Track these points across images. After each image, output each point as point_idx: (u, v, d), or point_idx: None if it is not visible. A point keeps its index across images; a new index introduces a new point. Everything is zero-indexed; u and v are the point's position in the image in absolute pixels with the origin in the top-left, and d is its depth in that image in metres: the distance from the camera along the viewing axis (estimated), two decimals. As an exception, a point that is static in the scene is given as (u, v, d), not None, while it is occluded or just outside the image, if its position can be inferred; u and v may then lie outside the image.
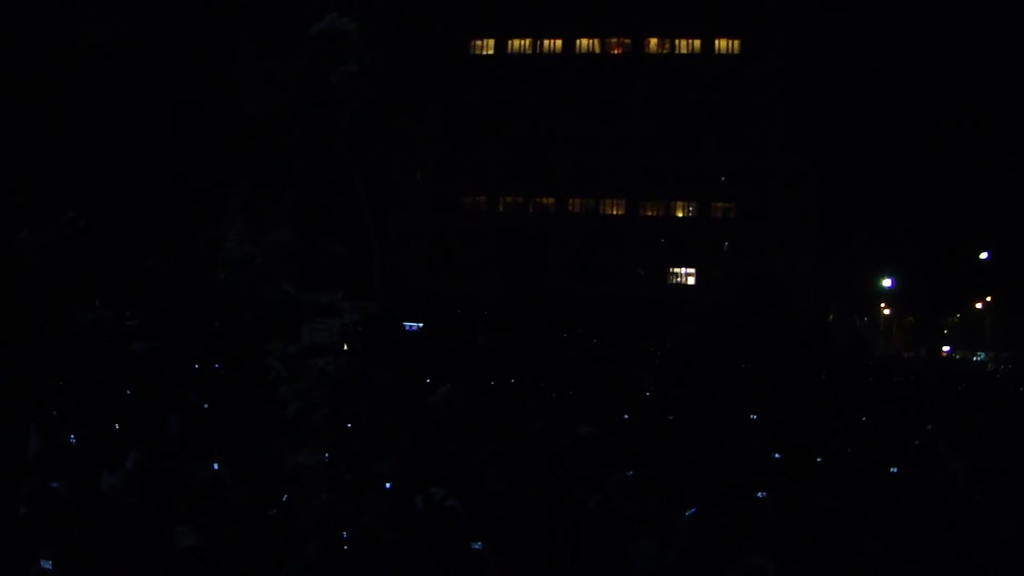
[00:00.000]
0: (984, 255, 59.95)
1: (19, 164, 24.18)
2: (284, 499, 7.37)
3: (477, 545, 6.45)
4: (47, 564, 6.13)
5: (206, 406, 13.50)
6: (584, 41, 65.39)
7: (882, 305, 77.73)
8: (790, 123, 60.94)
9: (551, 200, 64.20)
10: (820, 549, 6.74)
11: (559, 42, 65.66)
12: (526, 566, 6.53)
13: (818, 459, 10.97)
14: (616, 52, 64.67)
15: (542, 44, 66.07)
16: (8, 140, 24.45)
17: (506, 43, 66.30)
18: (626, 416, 14.61)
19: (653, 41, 64.72)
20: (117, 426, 11.24)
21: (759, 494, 8.01)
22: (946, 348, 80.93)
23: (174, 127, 26.36)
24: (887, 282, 68.68)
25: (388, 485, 7.75)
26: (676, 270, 65.75)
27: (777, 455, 10.83)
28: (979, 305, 77.42)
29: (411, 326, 36.98)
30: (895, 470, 9.85)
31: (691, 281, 65.45)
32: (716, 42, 63.63)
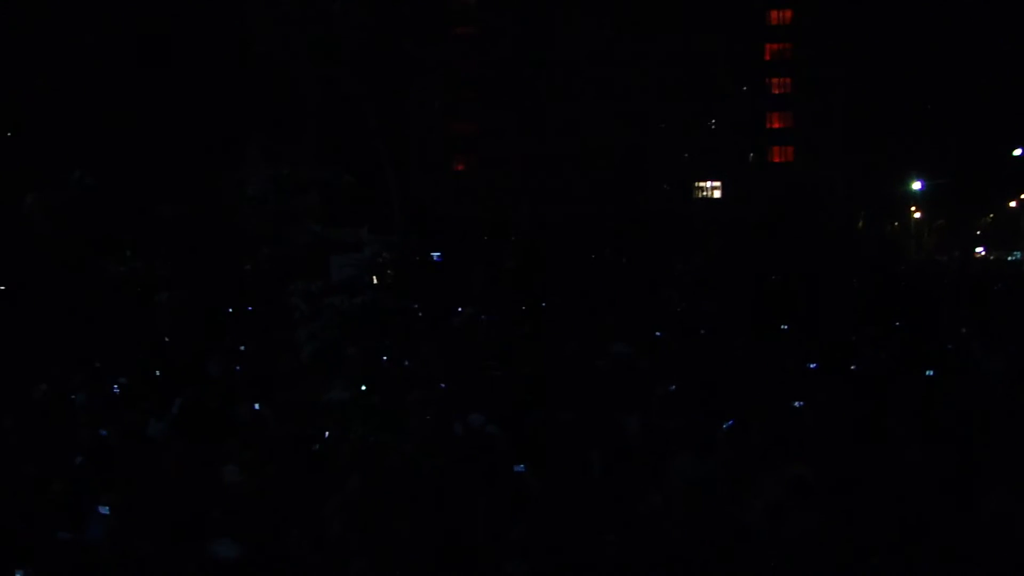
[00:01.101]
0: (1017, 152, 58.55)
1: (21, 122, 24.15)
2: (325, 434, 7.53)
3: (520, 468, 6.57)
4: (104, 510, 6.34)
5: (243, 348, 13.71)
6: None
7: (912, 209, 76.57)
8: (814, 29, 59.43)
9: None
10: (859, 456, 6.80)
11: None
12: (569, 486, 6.65)
13: (852, 367, 10.98)
14: None
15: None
16: (9, 97, 24.39)
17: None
18: (658, 334, 14.67)
19: None
20: (158, 373, 11.48)
21: (796, 403, 8.07)
22: (980, 249, 79.84)
23: (187, 72, 26.20)
24: (917, 185, 67.53)
25: (425, 413, 7.88)
26: (701, 184, 65.02)
27: (812, 364, 10.86)
28: (1012, 204, 76.02)
29: (439, 256, 37.09)
30: (931, 373, 9.84)
31: (717, 195, 64.77)
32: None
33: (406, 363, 10.33)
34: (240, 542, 5.68)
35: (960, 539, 5.32)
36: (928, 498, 5.80)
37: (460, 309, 18.19)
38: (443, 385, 9.55)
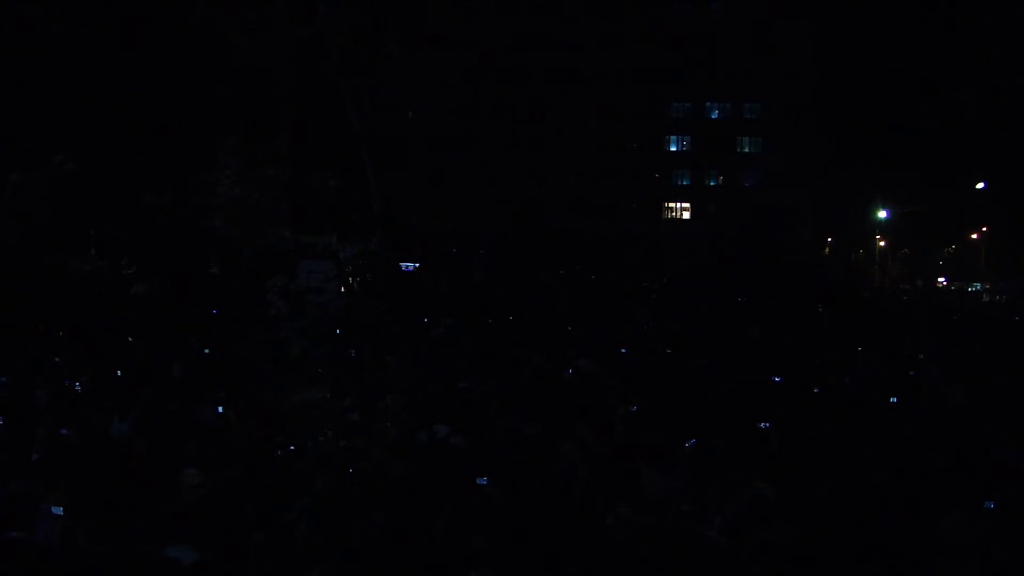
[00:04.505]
0: (980, 185, 59.64)
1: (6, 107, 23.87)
2: (290, 437, 7.47)
3: (482, 480, 6.55)
4: (58, 510, 6.19)
5: (207, 351, 13.57)
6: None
7: (877, 237, 77.67)
8: (785, 54, 60.28)
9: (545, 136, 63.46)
10: (819, 477, 6.86)
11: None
12: (531, 500, 6.64)
13: (815, 390, 11.10)
14: None
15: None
16: None
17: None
18: (624, 351, 14.73)
19: None
20: (120, 372, 11.33)
21: (762, 425, 8.13)
22: (941, 279, 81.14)
23: (166, 69, 25.99)
24: (882, 214, 68.50)
25: (391, 421, 7.84)
26: (671, 205, 65.55)
27: (775, 387, 10.96)
28: (975, 236, 77.42)
29: (407, 266, 37.02)
30: (895, 400, 9.97)
31: (686, 216, 65.31)
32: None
33: (376, 372, 10.29)
34: (198, 547, 5.60)
35: (916, 560, 5.39)
36: (886, 519, 5.87)
37: (427, 320, 18.14)
38: (411, 394, 9.52)
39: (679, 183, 64.34)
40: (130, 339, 14.69)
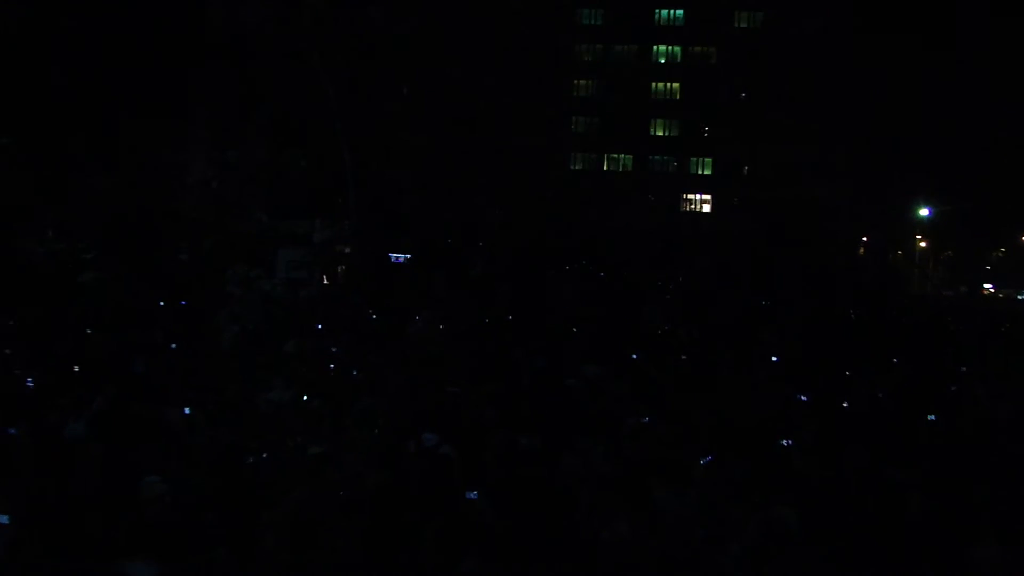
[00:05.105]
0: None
1: None
2: (262, 443, 7.46)
3: (473, 495, 6.56)
4: (3, 519, 6.18)
5: (173, 346, 13.58)
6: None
7: (918, 237, 77.67)
8: (821, 40, 60.28)
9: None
10: (847, 500, 6.86)
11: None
12: (526, 519, 6.64)
13: (844, 404, 11.10)
14: None
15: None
16: None
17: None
18: (635, 356, 14.74)
19: None
20: (77, 368, 11.32)
21: (784, 442, 8.13)
22: (988, 285, 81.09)
23: (133, 42, 26.00)
24: (925, 212, 68.46)
25: (373, 426, 7.84)
26: (690, 197, 65.54)
27: (801, 399, 10.96)
28: (1025, 238, 77.45)
29: (397, 258, 37.03)
30: (933, 417, 9.96)
31: (706, 209, 65.33)
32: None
33: (354, 371, 10.28)
34: (158, 562, 5.60)
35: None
36: (918, 548, 5.87)
37: (418, 317, 18.12)
38: (395, 397, 9.51)
39: (698, 173, 64.36)
40: (88, 331, 14.68)
